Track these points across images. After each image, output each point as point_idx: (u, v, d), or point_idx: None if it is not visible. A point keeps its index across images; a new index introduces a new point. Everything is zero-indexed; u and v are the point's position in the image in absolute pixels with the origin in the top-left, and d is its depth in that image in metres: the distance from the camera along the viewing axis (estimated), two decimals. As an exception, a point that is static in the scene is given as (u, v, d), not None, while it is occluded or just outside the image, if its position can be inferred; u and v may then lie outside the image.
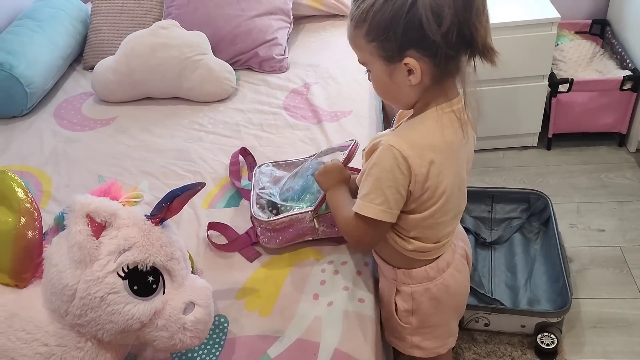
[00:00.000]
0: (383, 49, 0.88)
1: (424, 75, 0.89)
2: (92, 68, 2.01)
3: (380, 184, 0.94)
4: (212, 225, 1.34)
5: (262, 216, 1.24)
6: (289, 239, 1.25)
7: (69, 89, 1.99)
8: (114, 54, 1.88)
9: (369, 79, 0.98)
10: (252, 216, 1.26)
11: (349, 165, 1.21)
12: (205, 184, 0.99)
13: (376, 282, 1.23)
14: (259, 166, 1.42)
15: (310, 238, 1.27)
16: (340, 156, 1.25)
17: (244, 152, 1.55)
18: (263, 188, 1.33)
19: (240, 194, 1.44)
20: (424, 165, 0.92)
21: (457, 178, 1.00)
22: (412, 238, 1.04)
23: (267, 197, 1.30)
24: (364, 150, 1.04)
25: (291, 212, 1.22)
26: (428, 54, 0.86)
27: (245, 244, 1.29)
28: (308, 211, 1.21)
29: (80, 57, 2.13)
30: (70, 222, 0.91)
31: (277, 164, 1.42)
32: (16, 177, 1.00)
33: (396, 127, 1.03)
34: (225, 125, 1.73)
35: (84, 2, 2.25)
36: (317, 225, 1.23)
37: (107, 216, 0.92)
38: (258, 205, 1.28)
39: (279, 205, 1.27)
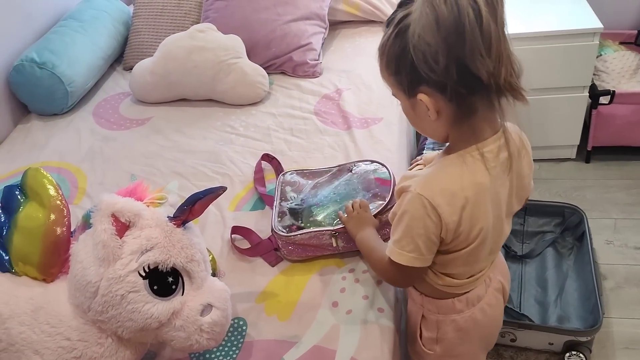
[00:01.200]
0: (400, 82, 0.86)
1: (443, 111, 0.85)
2: (132, 69, 2.06)
3: (411, 231, 0.91)
4: (235, 229, 1.35)
5: (283, 231, 1.25)
6: (309, 252, 1.26)
7: (108, 89, 2.05)
8: (152, 55, 1.93)
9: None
10: (272, 229, 1.27)
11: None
12: (226, 188, 1.00)
13: (396, 292, 1.23)
14: (284, 174, 1.43)
15: (329, 253, 1.27)
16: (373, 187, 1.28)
17: (267, 157, 1.57)
18: (285, 198, 1.34)
19: (263, 200, 1.45)
20: (454, 212, 0.89)
21: (494, 217, 0.95)
22: (444, 274, 1.01)
23: (289, 205, 1.31)
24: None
25: (311, 230, 1.23)
26: (438, 91, 0.82)
27: (267, 249, 1.30)
28: (327, 230, 1.22)
29: (120, 57, 2.18)
30: (96, 221, 0.93)
31: (302, 173, 1.42)
32: (48, 175, 1.03)
33: (435, 160, 0.98)
34: (256, 128, 1.75)
35: (127, 4, 2.32)
36: (335, 244, 1.24)
37: (131, 216, 0.94)
38: (279, 218, 1.29)
39: (299, 211, 1.28)
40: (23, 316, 0.98)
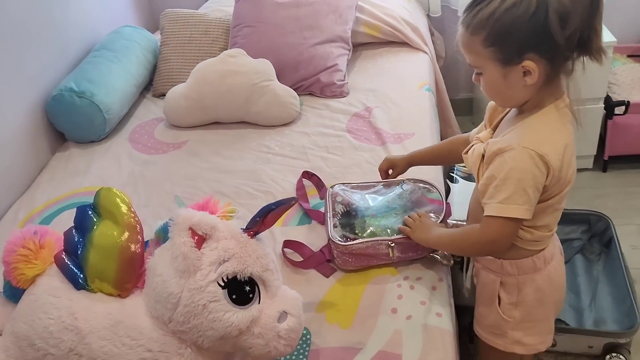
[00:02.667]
0: (502, 52, 0.94)
1: (540, 76, 0.94)
2: (161, 95, 2.12)
3: (522, 184, 0.98)
4: (287, 243, 1.39)
5: (340, 240, 1.29)
6: (364, 262, 1.30)
7: (141, 115, 2.10)
8: (182, 81, 1.99)
9: (473, 80, 1.03)
10: (329, 239, 1.31)
11: None
12: (297, 199, 1.05)
13: (450, 297, 1.27)
14: (332, 186, 1.47)
15: (383, 262, 1.31)
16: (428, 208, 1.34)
17: (307, 174, 1.61)
18: (335, 211, 1.38)
19: (309, 215, 1.50)
20: (558, 159, 0.97)
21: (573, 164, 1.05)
22: (533, 227, 1.07)
23: (341, 217, 1.35)
24: (477, 152, 1.07)
25: (368, 239, 1.27)
26: (547, 56, 0.92)
27: (320, 261, 1.34)
28: (385, 240, 1.26)
29: (149, 85, 2.24)
30: (174, 234, 0.97)
31: (350, 186, 1.47)
32: (120, 193, 1.07)
33: (506, 129, 1.05)
34: (291, 147, 1.80)
35: (152, 33, 2.39)
36: (391, 254, 1.28)
37: (208, 229, 0.98)
38: (335, 228, 1.33)
39: (353, 222, 1.33)
40: (103, 331, 1.00)
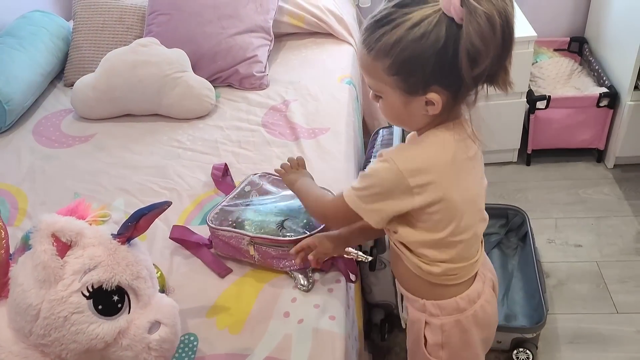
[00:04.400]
0: (405, 82, 0.88)
1: (442, 106, 0.89)
2: (73, 85, 2.02)
3: (372, 188, 0.94)
4: (175, 229, 1.37)
5: (213, 222, 1.29)
6: (230, 252, 1.29)
7: (48, 106, 1.99)
8: (94, 71, 1.89)
9: (371, 98, 0.97)
10: (207, 219, 1.31)
11: None
12: (171, 203, 1.00)
13: (347, 299, 1.24)
14: (254, 174, 1.46)
15: (247, 260, 1.28)
16: None
17: (226, 170, 1.57)
18: (233, 197, 1.36)
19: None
20: (423, 180, 0.92)
21: (468, 194, 0.98)
22: (438, 261, 1.01)
23: (227, 203, 1.34)
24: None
25: (231, 229, 1.26)
26: (452, 89, 0.87)
27: (203, 243, 1.34)
28: (247, 235, 1.24)
29: (61, 74, 2.13)
30: (35, 242, 0.91)
31: (270, 178, 1.44)
32: (-17, 196, 1.00)
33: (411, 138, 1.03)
34: (203, 142, 1.74)
35: (67, 20, 2.27)
36: (251, 253, 1.25)
37: (73, 235, 0.92)
38: (217, 212, 1.32)
39: (231, 211, 1.31)
40: (-40, 344, 0.94)
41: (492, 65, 0.83)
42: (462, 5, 0.78)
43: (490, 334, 1.17)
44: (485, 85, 0.89)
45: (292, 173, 1.22)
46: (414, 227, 0.99)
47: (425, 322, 1.09)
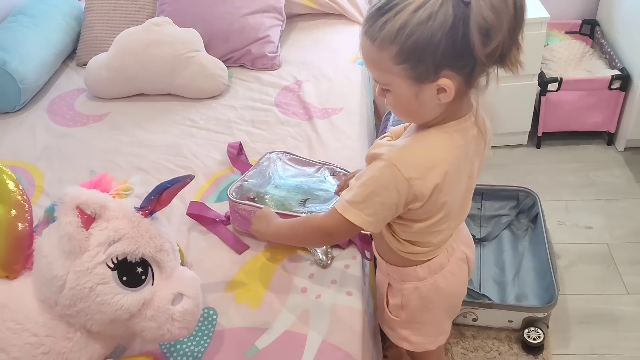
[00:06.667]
0: (415, 70, 0.82)
1: (455, 93, 0.85)
2: (85, 64, 2.01)
3: (374, 198, 0.91)
4: (192, 205, 1.38)
5: (234, 196, 1.29)
6: (248, 229, 1.27)
7: (62, 85, 2.00)
8: (107, 50, 1.89)
9: (377, 94, 0.93)
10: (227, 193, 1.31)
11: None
12: (194, 176, 1.01)
13: (364, 276, 1.26)
14: (271, 152, 1.46)
15: None
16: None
17: (240, 148, 1.57)
18: (252, 175, 1.36)
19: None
20: (426, 187, 0.90)
21: (460, 193, 0.98)
22: (407, 241, 1.03)
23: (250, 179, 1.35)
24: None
25: (252, 204, 1.26)
26: (464, 72, 0.83)
27: (218, 217, 1.36)
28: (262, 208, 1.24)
29: (73, 53, 2.13)
30: (60, 214, 0.92)
31: (289, 156, 1.45)
32: (7, 170, 1.01)
33: (406, 133, 1.00)
34: (217, 121, 1.75)
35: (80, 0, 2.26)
36: None
37: (97, 208, 0.93)
38: (238, 186, 1.32)
39: (255, 186, 1.32)
40: (-14, 315, 0.95)
41: (505, 41, 0.79)
42: None
43: (455, 304, 1.21)
44: (496, 68, 0.85)
45: (255, 221, 1.15)
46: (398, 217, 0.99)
47: (389, 284, 1.15)
